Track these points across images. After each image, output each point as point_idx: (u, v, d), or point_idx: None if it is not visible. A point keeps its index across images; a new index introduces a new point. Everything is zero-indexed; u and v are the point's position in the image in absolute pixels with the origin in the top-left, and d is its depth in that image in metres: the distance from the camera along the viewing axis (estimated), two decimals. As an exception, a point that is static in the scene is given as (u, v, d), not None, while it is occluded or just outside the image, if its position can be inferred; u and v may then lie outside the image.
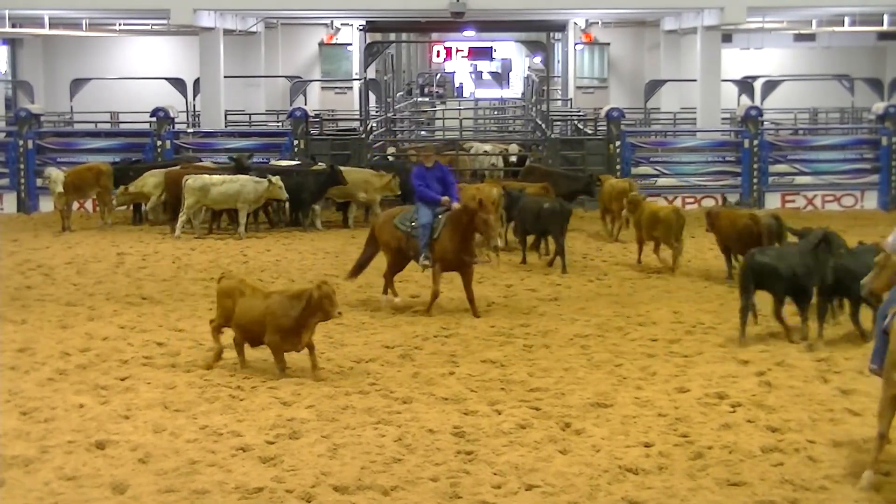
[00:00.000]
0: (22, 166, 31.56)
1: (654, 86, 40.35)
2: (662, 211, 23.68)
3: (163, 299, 20.05)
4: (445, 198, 19.00)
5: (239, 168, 28.04)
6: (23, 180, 31.55)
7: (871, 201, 31.65)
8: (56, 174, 28.03)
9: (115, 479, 11.14)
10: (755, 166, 31.76)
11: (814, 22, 40.84)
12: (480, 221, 18.51)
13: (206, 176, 26.99)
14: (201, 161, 30.24)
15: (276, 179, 26.62)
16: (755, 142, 31.89)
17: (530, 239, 24.09)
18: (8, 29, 37.23)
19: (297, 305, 14.68)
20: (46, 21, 36.62)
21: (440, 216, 18.93)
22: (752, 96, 38.63)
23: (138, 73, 42.03)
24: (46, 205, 30.51)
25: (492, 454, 11.83)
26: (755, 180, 31.73)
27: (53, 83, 42.97)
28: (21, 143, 31.70)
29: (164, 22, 35.79)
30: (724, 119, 35.94)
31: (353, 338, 17.08)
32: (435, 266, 18.88)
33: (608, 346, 16.63)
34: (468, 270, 18.91)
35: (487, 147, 34.56)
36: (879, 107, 33.08)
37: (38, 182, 30.93)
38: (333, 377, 14.87)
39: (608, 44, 45.22)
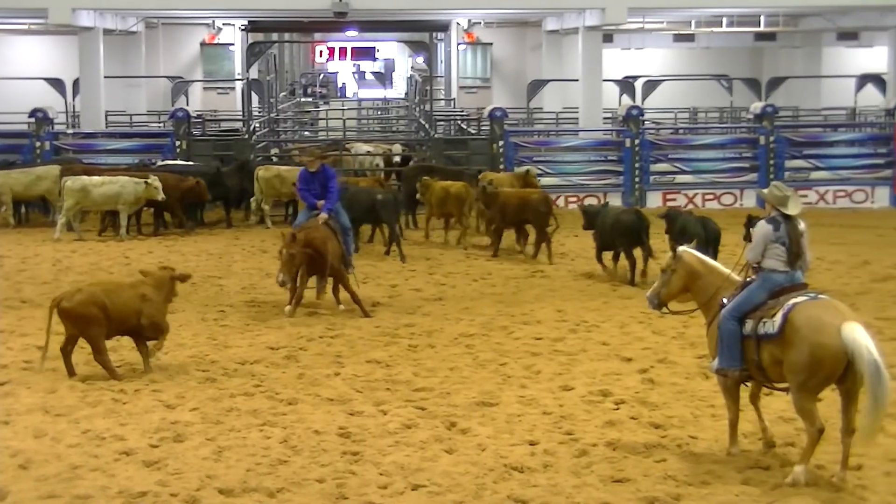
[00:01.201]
0: None
1: (536, 86, 40.52)
2: (453, 187, 25.41)
3: (43, 302, 19.64)
4: (320, 202, 19.16)
5: (142, 170, 28.15)
6: None
7: (749, 199, 32.02)
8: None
9: (-5, 485, 10.98)
10: (637, 165, 32.10)
11: (693, 23, 41.37)
12: (279, 254, 18.58)
13: (86, 177, 26.68)
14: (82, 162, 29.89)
15: (152, 180, 26.37)
16: (636, 141, 32.23)
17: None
18: None
19: (165, 291, 15.12)
20: (-80, 19, 35.96)
21: (311, 220, 19.16)
22: (633, 96, 38.95)
23: (15, 73, 41.29)
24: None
25: (378, 454, 11.84)
26: (637, 179, 32.06)
27: (-72, 83, 42.15)
28: None
29: (42, 21, 35.25)
30: (605, 119, 36.20)
31: (237, 339, 16.99)
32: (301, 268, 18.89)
33: (493, 345, 16.70)
34: (336, 275, 18.94)
35: (370, 147, 34.46)
36: (757, 106, 33.64)
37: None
38: (218, 379, 14.78)
39: (491, 44, 45.43)
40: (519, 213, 24.06)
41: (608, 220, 21.89)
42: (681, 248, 12.36)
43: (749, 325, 11.29)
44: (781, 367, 11.07)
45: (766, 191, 11.74)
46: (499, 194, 24.39)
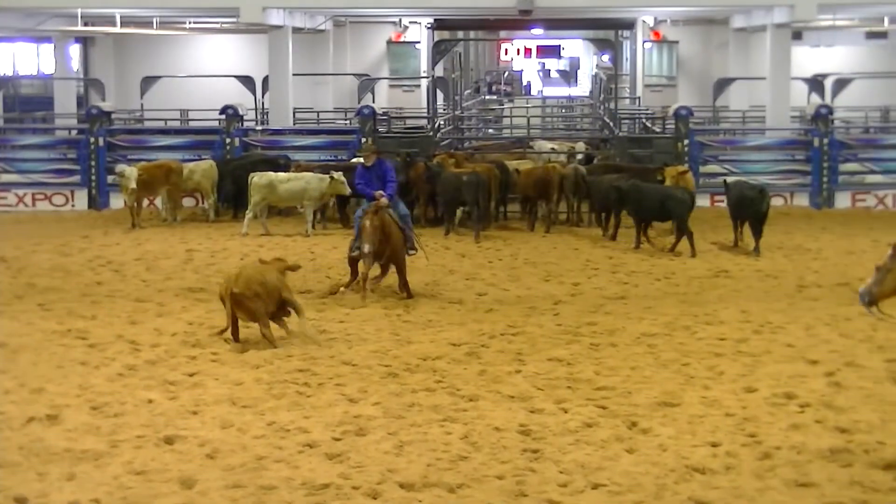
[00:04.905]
0: (93, 163, 31.75)
1: (722, 84, 40.07)
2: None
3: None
4: (378, 192, 19.98)
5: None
6: (94, 177, 31.79)
7: (943, 200, 31.31)
8: (130, 170, 28.04)
9: (184, 473, 11.23)
10: (825, 165, 31.46)
11: (886, 19, 40.39)
12: (363, 227, 19.51)
13: (272, 173, 27.21)
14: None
15: (338, 175, 26.73)
16: (825, 140, 31.59)
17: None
18: (80, 28, 37.63)
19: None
20: (118, 20, 36.93)
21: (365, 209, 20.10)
22: (822, 94, 38.25)
23: (208, 71, 42.29)
24: (117, 202, 30.77)
25: (558, 452, 11.82)
26: (825, 179, 31.43)
27: (124, 81, 43.30)
28: (92, 140, 31.94)
29: (234, 20, 36.00)
30: (793, 117, 35.60)
31: (419, 335, 17.11)
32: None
33: (675, 344, 16.54)
34: (395, 260, 19.81)
35: (553, 145, 34.35)
36: (953, 105, 32.79)
37: (109, 179, 31.16)
38: (400, 374, 14.91)
39: (677, 42, 45.01)
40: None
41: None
42: None
43: None
44: None
45: None
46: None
